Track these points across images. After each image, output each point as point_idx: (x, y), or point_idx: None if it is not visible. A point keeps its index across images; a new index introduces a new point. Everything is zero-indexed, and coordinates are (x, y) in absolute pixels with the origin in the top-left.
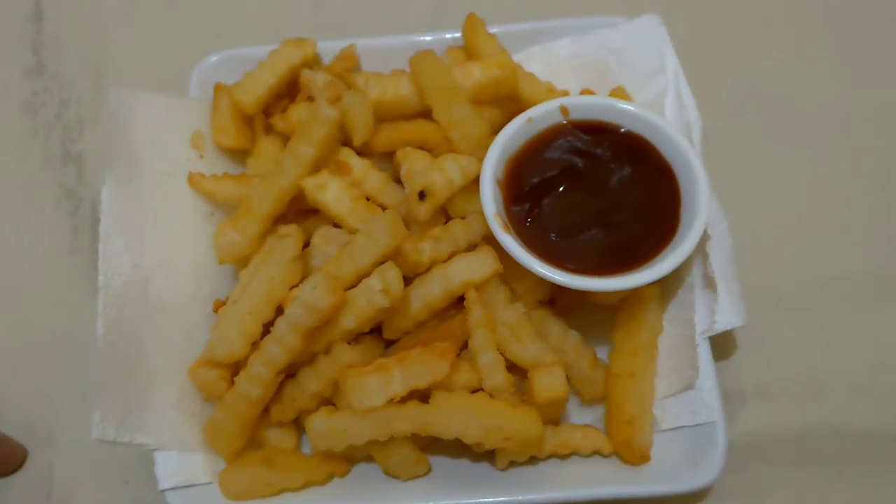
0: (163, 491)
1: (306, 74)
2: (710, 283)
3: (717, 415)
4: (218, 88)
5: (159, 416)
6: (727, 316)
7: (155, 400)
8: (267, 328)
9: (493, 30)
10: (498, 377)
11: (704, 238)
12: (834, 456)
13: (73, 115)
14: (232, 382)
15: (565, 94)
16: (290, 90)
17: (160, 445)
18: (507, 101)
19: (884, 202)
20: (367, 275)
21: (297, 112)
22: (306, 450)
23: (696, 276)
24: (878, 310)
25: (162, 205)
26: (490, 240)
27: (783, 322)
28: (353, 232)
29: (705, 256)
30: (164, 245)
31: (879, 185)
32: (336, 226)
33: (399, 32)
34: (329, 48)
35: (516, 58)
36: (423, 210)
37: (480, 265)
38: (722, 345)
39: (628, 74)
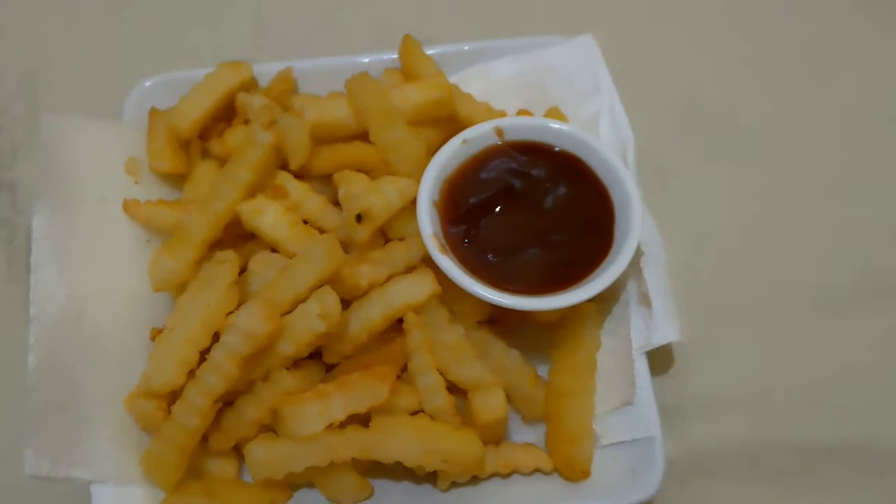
0: None
1: (242, 98)
2: (644, 299)
3: (655, 430)
4: (153, 113)
5: (95, 449)
6: (663, 331)
7: (91, 433)
8: (204, 356)
9: (431, 51)
10: (438, 399)
11: (638, 255)
12: (778, 470)
13: (6, 141)
14: (169, 412)
15: (503, 114)
16: (226, 114)
17: (97, 479)
18: (444, 122)
19: (825, 216)
20: (305, 300)
21: (234, 136)
22: (248, 478)
23: (631, 292)
24: (819, 323)
25: (96, 233)
26: (429, 262)
27: (726, 336)
28: (291, 256)
29: (640, 273)
30: (99, 274)
31: (821, 199)
32: (274, 250)
33: (342, 54)
34: (266, 71)
35: (455, 78)
36: (362, 233)
37: (419, 287)
38: (665, 359)
39: (565, 94)
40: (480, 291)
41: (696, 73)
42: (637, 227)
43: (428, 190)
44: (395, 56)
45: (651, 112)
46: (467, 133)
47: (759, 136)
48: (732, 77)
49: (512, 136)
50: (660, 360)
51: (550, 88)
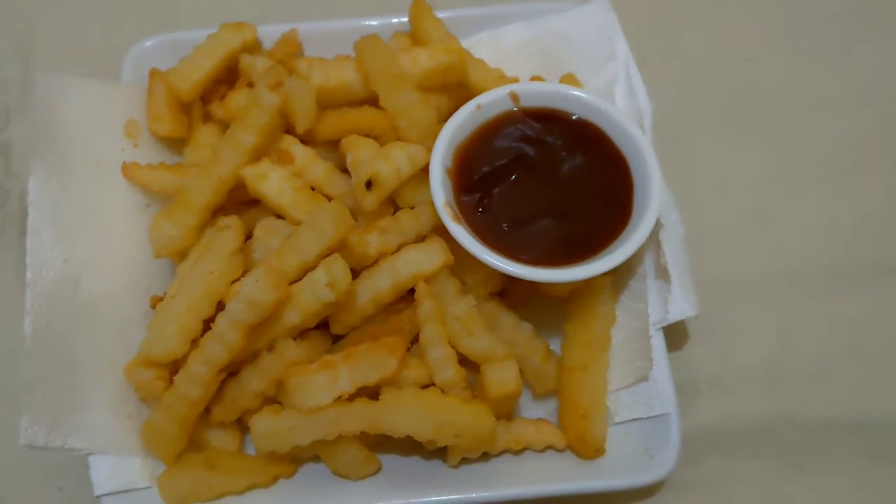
0: (98, 497)
1: (246, 59)
2: (662, 272)
3: (671, 406)
4: (153, 74)
5: (93, 419)
6: (680, 306)
7: (88, 402)
8: (207, 325)
9: (440, 15)
10: (449, 372)
11: (657, 227)
12: (790, 447)
13: None
14: (170, 382)
15: (515, 80)
16: (229, 76)
17: (95, 449)
18: (455, 88)
19: (837, 192)
20: (312, 268)
21: (237, 99)
22: (250, 451)
23: (648, 266)
24: (830, 299)
25: (94, 196)
26: (440, 231)
27: (737, 312)
28: (297, 223)
29: (658, 246)
30: (96, 239)
31: (833, 175)
32: (279, 217)
33: (342, 17)
34: (270, 33)
35: (464, 44)
36: (370, 200)
37: (430, 257)
38: (675, 335)
39: (578, 61)
40: (497, 262)
41: (710, 45)
42: (657, 199)
43: (440, 156)
44: (404, 19)
45: (662, 83)
46: (482, 98)
47: (770, 110)
48: (746, 50)
49: (528, 103)
50: (667, 335)
51: (563, 55)
